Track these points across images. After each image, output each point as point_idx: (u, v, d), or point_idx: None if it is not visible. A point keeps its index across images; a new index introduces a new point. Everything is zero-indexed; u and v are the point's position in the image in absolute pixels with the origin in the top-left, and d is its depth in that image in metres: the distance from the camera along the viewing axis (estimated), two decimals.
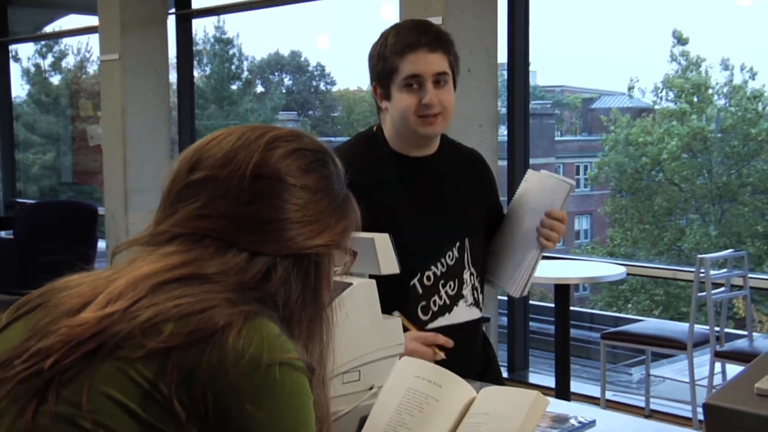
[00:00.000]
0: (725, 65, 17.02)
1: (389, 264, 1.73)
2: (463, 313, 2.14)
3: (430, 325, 2.09)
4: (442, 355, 2.00)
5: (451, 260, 2.13)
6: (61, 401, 0.98)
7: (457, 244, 2.14)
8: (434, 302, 2.11)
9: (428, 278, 2.10)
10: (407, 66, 2.02)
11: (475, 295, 2.18)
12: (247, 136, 1.12)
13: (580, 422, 1.63)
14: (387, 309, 1.92)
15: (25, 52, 14.50)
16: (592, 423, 1.64)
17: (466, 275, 2.15)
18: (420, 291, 2.09)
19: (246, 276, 1.06)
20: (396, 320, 1.74)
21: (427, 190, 2.15)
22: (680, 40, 17.22)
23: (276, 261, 1.08)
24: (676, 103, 17.13)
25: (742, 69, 16.85)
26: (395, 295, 2.02)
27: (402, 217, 2.09)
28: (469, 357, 2.18)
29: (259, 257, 1.08)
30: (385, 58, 2.04)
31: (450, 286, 2.12)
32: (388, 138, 2.14)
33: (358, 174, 1.96)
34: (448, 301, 2.12)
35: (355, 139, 2.23)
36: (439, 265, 2.11)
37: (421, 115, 2.04)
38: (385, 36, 2.07)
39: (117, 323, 1.00)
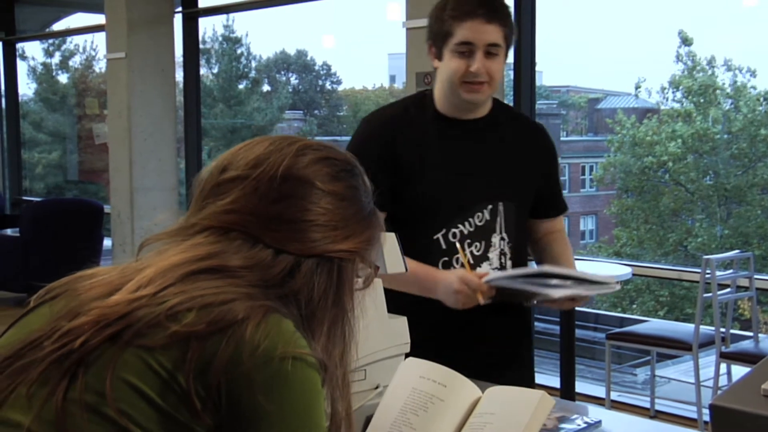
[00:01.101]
0: (729, 66, 16.98)
1: (396, 263, 1.73)
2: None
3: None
4: (481, 301, 2.02)
5: (481, 221, 2.15)
6: (87, 389, 0.99)
7: (489, 206, 2.16)
8: (457, 260, 2.13)
9: (453, 235, 2.14)
10: (462, 32, 2.06)
11: (503, 261, 2.18)
12: (278, 143, 1.17)
13: (585, 422, 1.63)
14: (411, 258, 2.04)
15: (32, 50, 14.53)
16: (597, 423, 1.63)
17: (495, 239, 2.18)
18: (443, 246, 2.13)
19: (270, 273, 1.09)
20: (401, 319, 1.74)
21: (465, 151, 2.18)
22: (686, 41, 17.17)
23: (301, 260, 1.11)
24: (682, 104, 17.09)
25: (745, 70, 16.81)
26: (418, 247, 2.08)
27: (432, 172, 2.13)
28: (499, 321, 2.17)
29: (284, 255, 1.10)
30: (443, 21, 2.09)
31: (476, 247, 2.15)
32: (436, 99, 2.19)
33: (398, 130, 2.15)
34: (471, 261, 2.14)
35: (409, 96, 2.31)
36: (466, 224, 2.14)
37: (467, 81, 2.09)
38: None
39: (144, 307, 1.02)
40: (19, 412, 1.01)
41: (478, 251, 2.16)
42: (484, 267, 2.16)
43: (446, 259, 2.14)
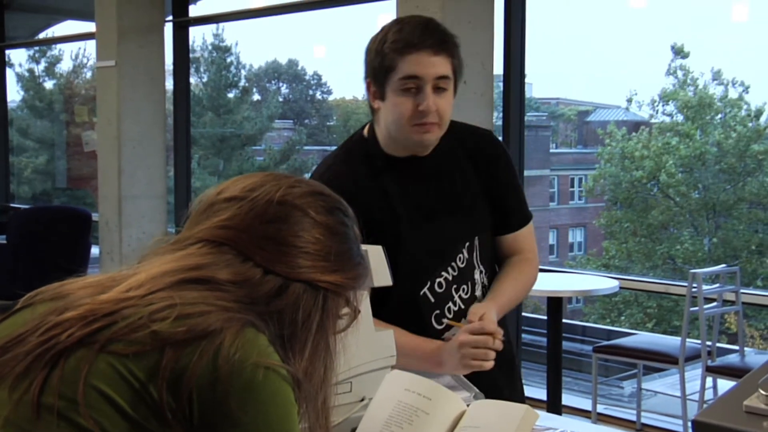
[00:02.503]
0: (720, 80, 17.05)
1: (382, 276, 1.72)
2: None
3: (448, 334, 1.98)
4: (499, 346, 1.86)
5: (462, 262, 2.02)
6: (60, 397, 1.00)
7: (467, 244, 2.02)
8: (448, 309, 2.00)
9: (440, 285, 2.00)
10: (406, 66, 1.85)
11: (485, 294, 2.04)
12: (273, 176, 1.20)
13: None
14: (400, 323, 1.90)
15: (18, 57, 14.48)
16: None
17: (477, 275, 2.04)
18: (432, 300, 2.00)
19: (258, 291, 1.10)
20: (388, 332, 1.73)
21: (430, 193, 2.01)
22: (680, 53, 17.23)
23: (289, 283, 1.12)
24: (672, 117, 17.14)
25: (739, 84, 16.87)
26: (406, 307, 1.97)
27: (405, 225, 1.97)
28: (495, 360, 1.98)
29: (272, 275, 1.12)
30: (384, 55, 1.88)
31: (464, 290, 2.02)
32: (381, 141, 1.99)
33: (355, 187, 1.92)
34: (462, 306, 2.01)
35: (346, 148, 2.08)
36: (450, 269, 2.00)
37: (417, 123, 1.89)
38: (386, 31, 1.90)
39: (132, 306, 1.04)
40: None
41: (466, 294, 2.03)
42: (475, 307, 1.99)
43: (437, 312, 2.00)
